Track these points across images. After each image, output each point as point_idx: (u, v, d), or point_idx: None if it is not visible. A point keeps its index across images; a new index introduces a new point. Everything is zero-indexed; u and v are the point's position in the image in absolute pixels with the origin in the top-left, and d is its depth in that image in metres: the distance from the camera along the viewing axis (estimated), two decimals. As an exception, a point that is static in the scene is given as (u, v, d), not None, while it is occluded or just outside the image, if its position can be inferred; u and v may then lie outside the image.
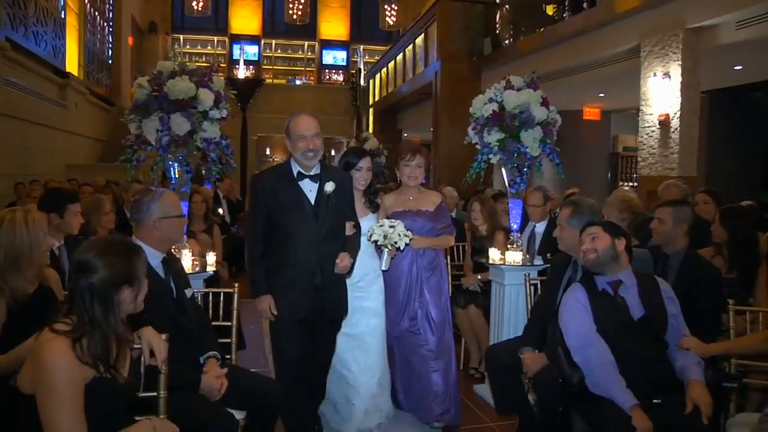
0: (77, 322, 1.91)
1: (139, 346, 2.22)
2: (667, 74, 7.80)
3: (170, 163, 3.73)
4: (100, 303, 1.94)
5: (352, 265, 3.31)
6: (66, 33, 12.25)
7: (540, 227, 4.76)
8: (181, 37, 21.55)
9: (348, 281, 3.44)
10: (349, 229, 3.35)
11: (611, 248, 2.78)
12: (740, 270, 3.70)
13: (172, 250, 3.21)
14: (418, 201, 3.89)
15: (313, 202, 3.21)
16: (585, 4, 9.68)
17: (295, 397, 3.22)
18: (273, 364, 3.44)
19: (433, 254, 3.89)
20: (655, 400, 2.58)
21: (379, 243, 3.54)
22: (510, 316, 4.14)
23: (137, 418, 2.11)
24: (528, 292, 3.69)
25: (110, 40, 16.14)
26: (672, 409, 2.55)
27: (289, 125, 3.23)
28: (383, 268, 3.67)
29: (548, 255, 4.24)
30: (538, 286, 3.70)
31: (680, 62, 7.64)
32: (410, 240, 3.58)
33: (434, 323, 3.78)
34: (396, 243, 3.51)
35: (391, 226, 3.52)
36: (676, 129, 7.79)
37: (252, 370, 3.42)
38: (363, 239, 3.54)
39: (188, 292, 2.87)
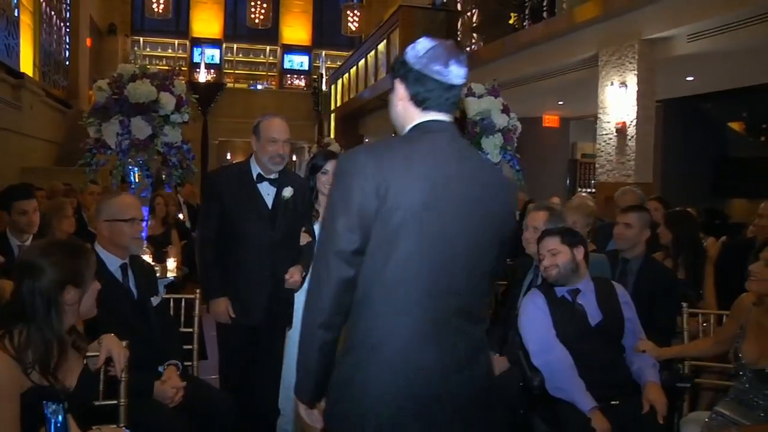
0: (19, 328, 1.85)
1: (96, 354, 2.17)
2: (623, 83, 7.99)
3: (130, 167, 3.68)
4: (44, 304, 1.87)
5: (304, 278, 3.20)
6: (20, 32, 11.94)
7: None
8: (141, 39, 21.17)
9: None
10: (303, 239, 3.27)
11: (571, 261, 2.79)
12: (689, 271, 3.83)
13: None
14: None
15: (270, 206, 3.17)
16: (545, 14, 9.87)
17: (242, 406, 3.06)
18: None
19: None
20: (613, 402, 2.64)
21: None
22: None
23: (94, 428, 2.07)
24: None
25: (67, 40, 15.77)
26: (629, 410, 2.62)
27: (260, 125, 3.14)
28: None
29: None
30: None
31: (636, 72, 7.84)
32: None
33: None
34: None
35: None
36: (632, 137, 7.98)
37: (213, 377, 3.39)
38: None
39: (155, 300, 2.83)
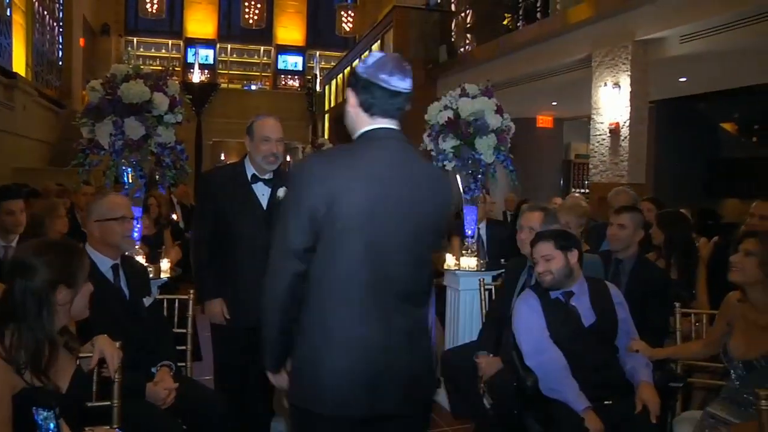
0: (10, 328, 1.85)
1: (89, 354, 2.17)
2: (617, 84, 8.02)
3: (123, 168, 3.66)
4: (35, 303, 1.87)
5: None
6: (12, 32, 11.89)
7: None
8: (135, 39, 21.09)
9: None
10: None
11: (565, 266, 2.80)
12: (682, 272, 3.85)
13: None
14: None
15: (265, 206, 3.16)
16: (539, 15, 9.90)
17: (237, 407, 3.09)
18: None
19: None
20: (606, 402, 2.65)
21: None
22: (465, 320, 4.20)
23: (87, 429, 2.07)
24: (482, 297, 3.74)
25: (60, 40, 15.71)
26: (622, 410, 2.63)
27: (253, 125, 3.14)
28: None
29: (502, 260, 4.31)
30: (493, 291, 3.76)
31: (629, 73, 7.87)
32: None
33: None
34: None
35: None
36: (625, 137, 8.01)
37: (207, 377, 3.38)
38: None
39: (147, 301, 2.82)
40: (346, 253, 1.75)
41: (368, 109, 1.84)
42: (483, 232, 4.87)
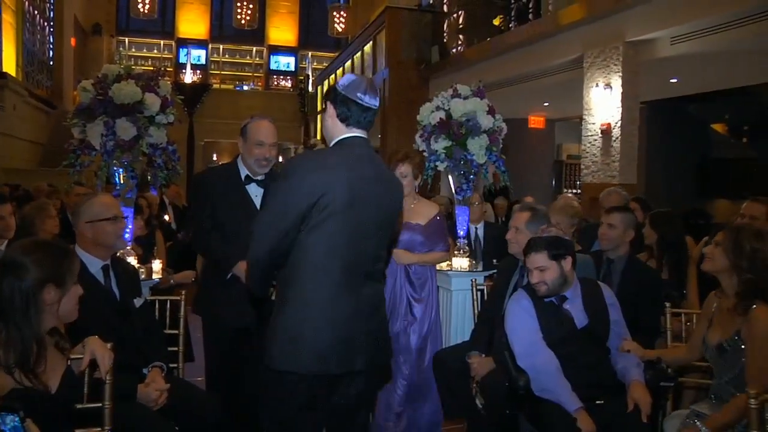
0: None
1: (80, 356, 2.16)
2: (608, 85, 8.06)
3: (115, 168, 3.65)
4: (22, 301, 1.87)
5: None
6: (2, 31, 11.83)
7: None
8: (126, 39, 21.02)
9: None
10: None
11: (560, 276, 2.79)
12: (673, 271, 3.87)
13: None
14: (409, 213, 3.63)
15: (258, 207, 3.14)
16: (531, 16, 9.93)
17: (229, 408, 3.03)
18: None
19: (422, 271, 3.72)
20: (598, 402, 2.66)
21: None
22: (457, 321, 4.19)
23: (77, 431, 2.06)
24: (475, 297, 3.75)
25: (51, 40, 15.65)
26: (614, 409, 2.64)
27: (247, 127, 3.12)
28: None
29: (494, 260, 4.31)
30: (485, 291, 3.77)
31: (621, 74, 7.91)
32: None
33: (414, 352, 3.63)
34: None
35: None
36: (617, 138, 8.04)
37: (199, 378, 3.37)
38: None
39: (138, 302, 2.81)
40: (327, 234, 2.11)
41: (344, 120, 2.21)
42: (480, 232, 4.89)
